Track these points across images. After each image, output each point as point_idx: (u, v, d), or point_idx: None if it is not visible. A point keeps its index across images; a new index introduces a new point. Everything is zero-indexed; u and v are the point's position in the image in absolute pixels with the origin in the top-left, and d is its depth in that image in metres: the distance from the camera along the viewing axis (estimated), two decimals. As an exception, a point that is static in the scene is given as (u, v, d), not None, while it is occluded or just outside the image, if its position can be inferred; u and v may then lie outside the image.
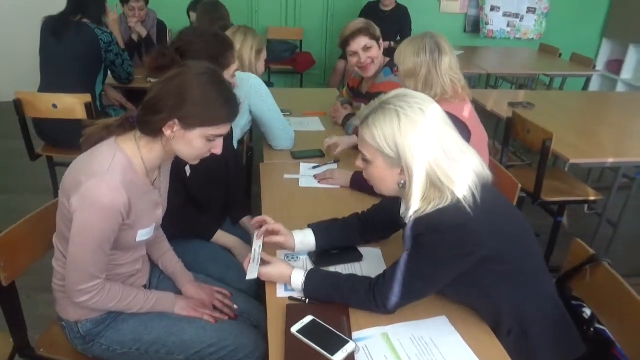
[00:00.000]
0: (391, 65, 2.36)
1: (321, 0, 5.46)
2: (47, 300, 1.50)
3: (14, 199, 3.21)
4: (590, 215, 3.25)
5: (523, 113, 2.78)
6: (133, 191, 1.21)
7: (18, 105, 2.62)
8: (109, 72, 2.98)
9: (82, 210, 1.15)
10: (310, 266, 1.44)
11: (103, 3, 2.90)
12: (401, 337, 1.17)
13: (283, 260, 1.38)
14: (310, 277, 1.28)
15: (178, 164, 1.50)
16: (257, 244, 1.43)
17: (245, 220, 1.94)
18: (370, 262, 1.46)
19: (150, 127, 1.20)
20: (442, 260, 1.14)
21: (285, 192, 1.90)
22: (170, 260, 1.56)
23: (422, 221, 1.13)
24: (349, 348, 1.10)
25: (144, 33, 3.51)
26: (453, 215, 1.10)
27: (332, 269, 1.41)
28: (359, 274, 1.40)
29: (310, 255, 1.48)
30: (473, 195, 1.11)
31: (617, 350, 1.27)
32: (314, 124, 2.63)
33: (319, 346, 1.10)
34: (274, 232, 1.44)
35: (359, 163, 1.24)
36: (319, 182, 1.98)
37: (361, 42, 2.31)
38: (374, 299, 1.20)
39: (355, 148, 2.05)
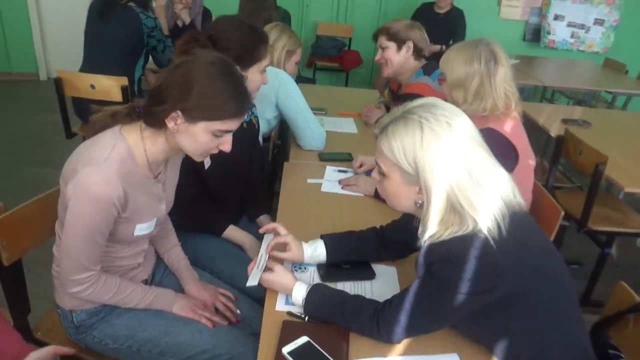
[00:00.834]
0: (429, 69, 2.22)
1: (375, -3, 5.33)
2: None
3: (47, 172, 3.27)
4: (643, 250, 2.99)
5: (577, 132, 2.56)
6: (131, 183, 1.15)
7: (58, 83, 2.66)
8: (151, 57, 2.99)
9: (74, 199, 1.10)
10: (317, 280, 1.34)
11: None
12: (404, 373, 1.05)
13: (287, 270, 1.29)
14: (312, 293, 1.19)
15: None
16: (264, 249, 1.35)
17: (263, 219, 1.88)
18: (382, 282, 1.35)
19: (154, 119, 1.13)
20: (453, 296, 1.01)
21: (305, 196, 1.81)
22: (176, 256, 1.50)
23: (436, 248, 1.01)
24: (341, 379, 1.00)
25: (187, 20, 3.50)
26: (472, 246, 0.97)
27: (340, 285, 1.31)
28: (370, 293, 1.30)
29: (319, 267, 1.38)
30: (498, 226, 0.97)
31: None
32: (346, 125, 2.52)
33: (308, 373, 1.01)
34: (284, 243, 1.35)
35: (375, 174, 1.13)
36: (342, 187, 1.88)
37: (380, 40, 2.28)
38: (378, 326, 1.09)
39: None
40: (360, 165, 2.02)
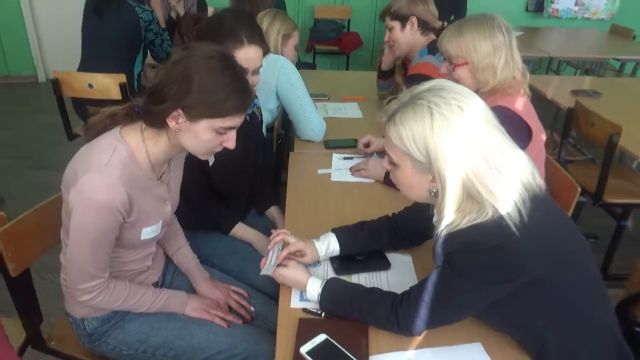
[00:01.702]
0: (434, 47, 2.14)
1: (372, -24, 5.20)
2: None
3: (50, 175, 3.25)
4: (660, 220, 2.92)
5: (587, 103, 2.49)
6: (135, 187, 1.11)
7: (55, 84, 2.61)
8: (149, 52, 2.93)
9: (77, 207, 1.06)
10: (331, 273, 1.30)
11: None
12: (426, 365, 1.02)
13: (300, 265, 1.25)
14: (327, 288, 1.15)
15: None
16: (276, 247, 1.31)
17: (272, 210, 1.85)
18: (398, 272, 1.31)
19: (155, 118, 1.09)
20: (475, 286, 0.97)
21: (313, 186, 1.76)
22: (186, 256, 1.47)
23: (454, 237, 0.96)
24: (363, 377, 0.97)
25: (182, 12, 3.43)
26: (492, 234, 0.92)
27: (354, 277, 1.28)
28: (386, 284, 1.26)
29: (332, 260, 1.34)
30: (519, 211, 0.93)
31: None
32: (351, 110, 2.46)
33: (329, 373, 0.98)
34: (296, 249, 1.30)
35: (386, 165, 1.08)
36: (352, 174, 1.83)
37: (386, 21, 2.21)
38: (397, 320, 1.05)
39: None
40: (368, 145, 1.97)
